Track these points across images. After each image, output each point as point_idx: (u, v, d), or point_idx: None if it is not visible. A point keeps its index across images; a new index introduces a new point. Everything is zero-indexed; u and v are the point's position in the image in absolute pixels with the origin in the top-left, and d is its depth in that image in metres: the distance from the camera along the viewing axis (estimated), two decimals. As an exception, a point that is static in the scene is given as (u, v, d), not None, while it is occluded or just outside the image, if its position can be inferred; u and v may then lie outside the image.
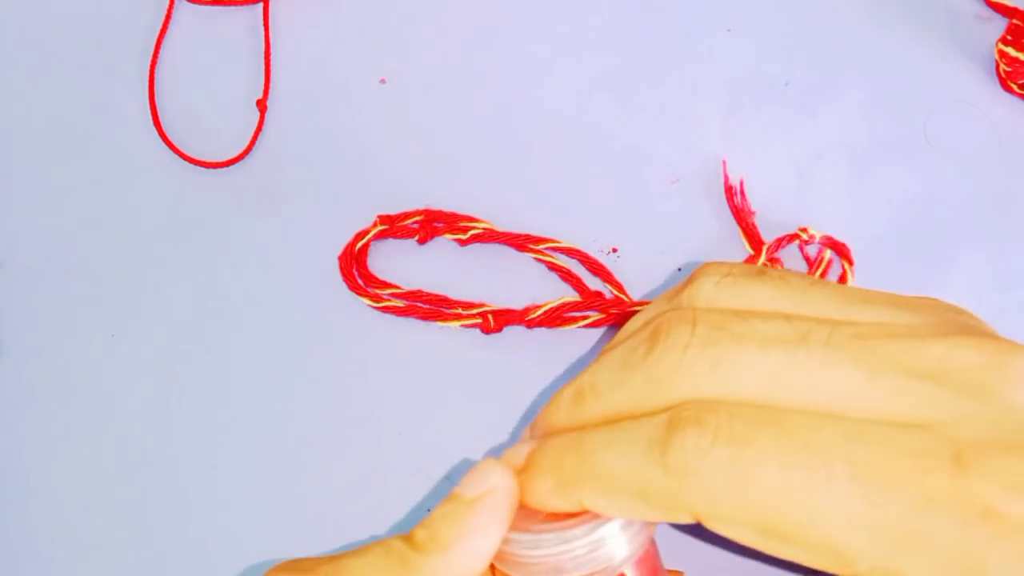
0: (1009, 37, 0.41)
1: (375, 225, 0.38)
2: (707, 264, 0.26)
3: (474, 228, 0.39)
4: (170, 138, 0.41)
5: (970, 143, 0.40)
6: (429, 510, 0.35)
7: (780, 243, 0.38)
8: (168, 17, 0.43)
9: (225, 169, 0.40)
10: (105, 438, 0.36)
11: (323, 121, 0.41)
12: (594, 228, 0.39)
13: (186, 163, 0.40)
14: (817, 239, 0.39)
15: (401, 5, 0.43)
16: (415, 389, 0.37)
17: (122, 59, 0.42)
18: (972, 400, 0.21)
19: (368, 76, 0.42)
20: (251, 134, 0.41)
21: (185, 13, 0.43)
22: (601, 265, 0.38)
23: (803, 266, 0.39)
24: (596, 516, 0.24)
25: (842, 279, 0.38)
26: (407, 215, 0.39)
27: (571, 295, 0.38)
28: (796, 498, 0.21)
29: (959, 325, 0.24)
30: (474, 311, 0.37)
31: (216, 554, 0.35)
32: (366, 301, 0.37)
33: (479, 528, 0.24)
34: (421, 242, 0.39)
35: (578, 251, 0.38)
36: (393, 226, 0.38)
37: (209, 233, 0.39)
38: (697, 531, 0.34)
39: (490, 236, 0.39)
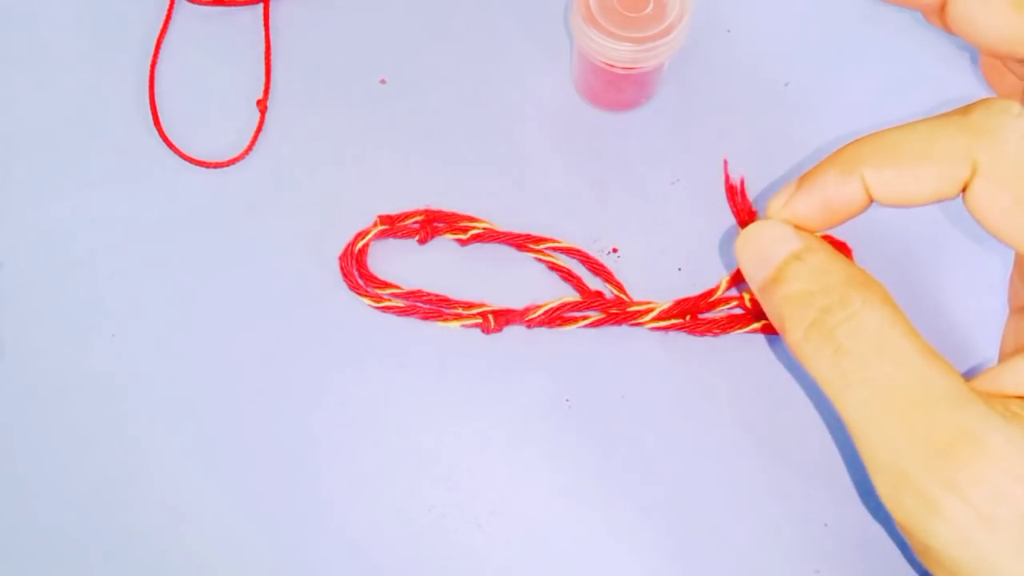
0: (1009, 37, 0.41)
1: (375, 225, 0.38)
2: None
3: (474, 228, 0.39)
4: (170, 138, 0.41)
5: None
6: (431, 509, 0.35)
7: (780, 243, 0.39)
8: (168, 17, 0.43)
9: (225, 169, 0.40)
10: (105, 438, 0.36)
11: (323, 121, 0.41)
12: (594, 228, 0.39)
13: (186, 163, 0.40)
14: (817, 239, 0.39)
15: (401, 5, 0.43)
16: (415, 389, 0.37)
17: (122, 59, 0.42)
18: None
19: (368, 76, 0.42)
20: (251, 134, 0.41)
21: (185, 13, 0.43)
22: (601, 265, 0.38)
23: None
24: None
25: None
26: (407, 215, 0.39)
27: (571, 295, 0.38)
28: None
29: None
30: (474, 311, 0.37)
31: (216, 554, 0.35)
32: (366, 301, 0.37)
33: None
34: (421, 242, 0.39)
35: (578, 251, 0.38)
36: (393, 226, 0.38)
37: (209, 233, 0.39)
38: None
39: (490, 236, 0.39)
